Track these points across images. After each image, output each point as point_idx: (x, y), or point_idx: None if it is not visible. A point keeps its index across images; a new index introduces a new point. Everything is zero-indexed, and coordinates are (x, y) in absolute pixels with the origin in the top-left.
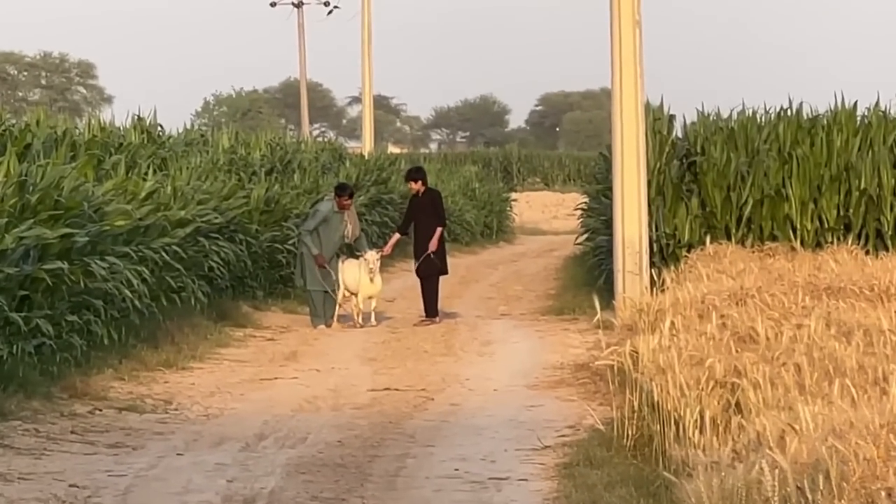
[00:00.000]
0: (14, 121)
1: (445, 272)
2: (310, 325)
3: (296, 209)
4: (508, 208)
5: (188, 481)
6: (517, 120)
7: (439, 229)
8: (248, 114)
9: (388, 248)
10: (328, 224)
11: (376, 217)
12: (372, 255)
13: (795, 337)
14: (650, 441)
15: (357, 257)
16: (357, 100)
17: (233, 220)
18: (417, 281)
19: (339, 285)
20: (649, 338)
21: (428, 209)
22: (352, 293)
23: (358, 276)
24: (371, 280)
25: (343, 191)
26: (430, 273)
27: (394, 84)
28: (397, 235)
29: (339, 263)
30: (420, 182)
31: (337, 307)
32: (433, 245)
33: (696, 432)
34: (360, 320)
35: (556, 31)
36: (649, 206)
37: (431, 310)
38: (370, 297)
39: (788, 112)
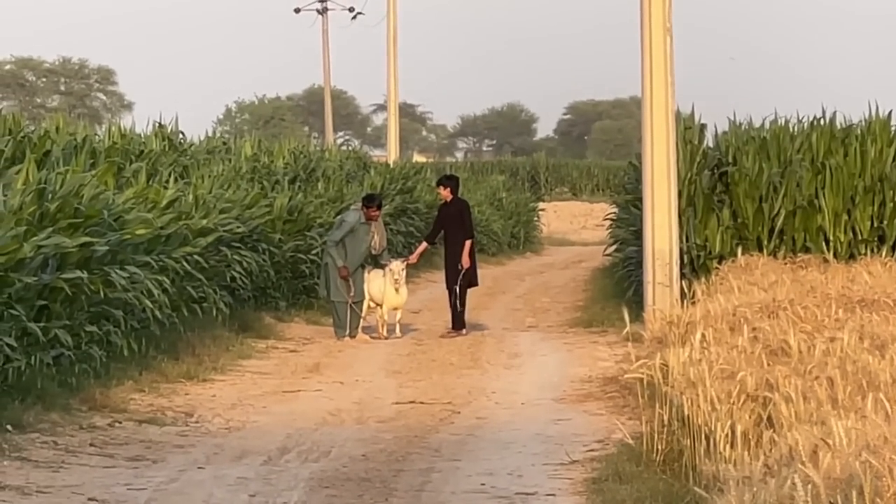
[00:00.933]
0: (33, 127)
1: (475, 284)
2: (333, 337)
3: (319, 218)
4: (536, 218)
5: (209, 495)
6: (545, 129)
7: (468, 243)
8: (271, 121)
9: (414, 258)
10: (354, 235)
11: (402, 227)
12: (397, 266)
13: (828, 350)
14: (680, 456)
15: (382, 267)
16: (382, 107)
17: (255, 230)
18: (444, 292)
19: (364, 296)
20: (679, 351)
21: (455, 219)
22: (377, 304)
23: (383, 287)
24: (396, 291)
25: (371, 201)
26: (460, 284)
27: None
28: (424, 244)
29: (365, 274)
30: (449, 189)
31: (362, 319)
32: (465, 261)
33: (727, 447)
34: (385, 332)
35: (585, 39)
36: (680, 216)
37: (459, 322)
38: (395, 309)
39: (821, 121)
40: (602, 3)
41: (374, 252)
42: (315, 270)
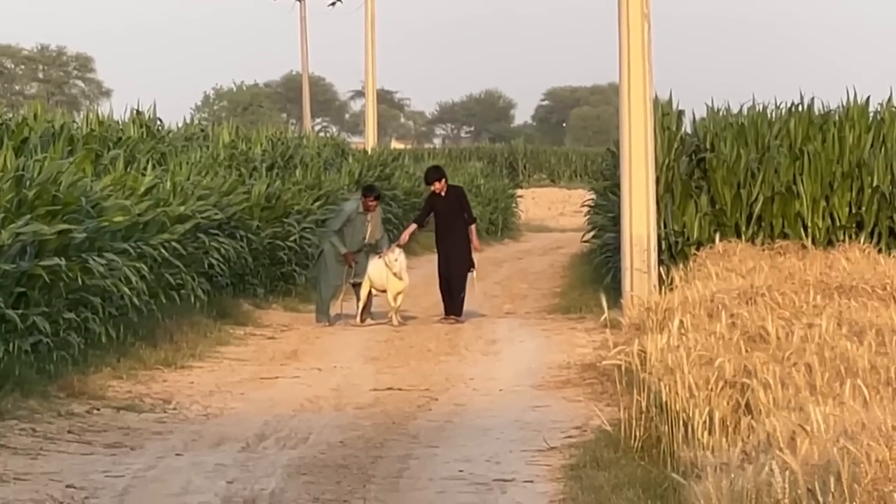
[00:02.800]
0: (11, 115)
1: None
2: (312, 324)
3: (297, 205)
4: (514, 205)
5: (187, 482)
6: (523, 115)
7: (473, 227)
8: (249, 108)
9: (404, 237)
10: (351, 224)
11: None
12: (392, 256)
13: (806, 336)
14: (658, 442)
15: (379, 255)
16: (360, 94)
17: (233, 217)
18: (433, 277)
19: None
20: (657, 337)
21: (455, 208)
22: (379, 291)
23: (385, 274)
24: (398, 278)
25: (370, 192)
26: (464, 272)
27: (398, 78)
28: (414, 226)
29: (369, 261)
30: (444, 181)
31: (361, 303)
32: (476, 244)
33: (705, 433)
34: (395, 319)
35: (563, 25)
36: (658, 202)
37: (460, 309)
38: (398, 294)
39: (800, 108)
40: None
41: (367, 242)
42: (293, 257)
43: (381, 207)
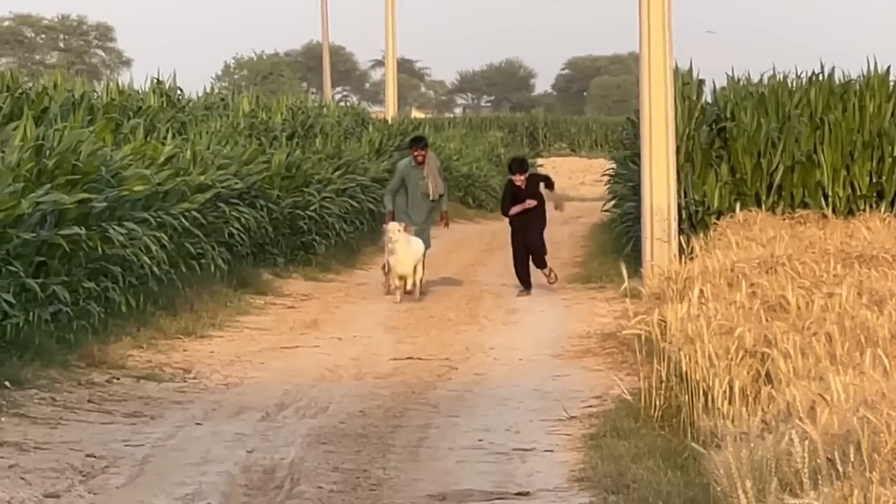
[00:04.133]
0: (31, 84)
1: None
2: (333, 292)
3: (317, 174)
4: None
5: (207, 451)
6: (543, 84)
7: (553, 192)
8: (269, 77)
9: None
10: (409, 182)
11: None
12: (393, 226)
13: (826, 306)
14: (678, 411)
15: (440, 216)
16: (380, 63)
17: (253, 186)
18: (453, 245)
19: (430, 245)
20: (677, 306)
21: (534, 193)
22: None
23: (390, 254)
24: (398, 257)
25: (416, 143)
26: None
27: (418, 47)
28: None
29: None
30: (526, 174)
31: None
32: (561, 205)
33: (725, 403)
34: (418, 292)
35: None
36: (678, 172)
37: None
38: (401, 278)
39: (820, 77)
40: None
41: (431, 199)
42: (313, 226)
43: (435, 158)
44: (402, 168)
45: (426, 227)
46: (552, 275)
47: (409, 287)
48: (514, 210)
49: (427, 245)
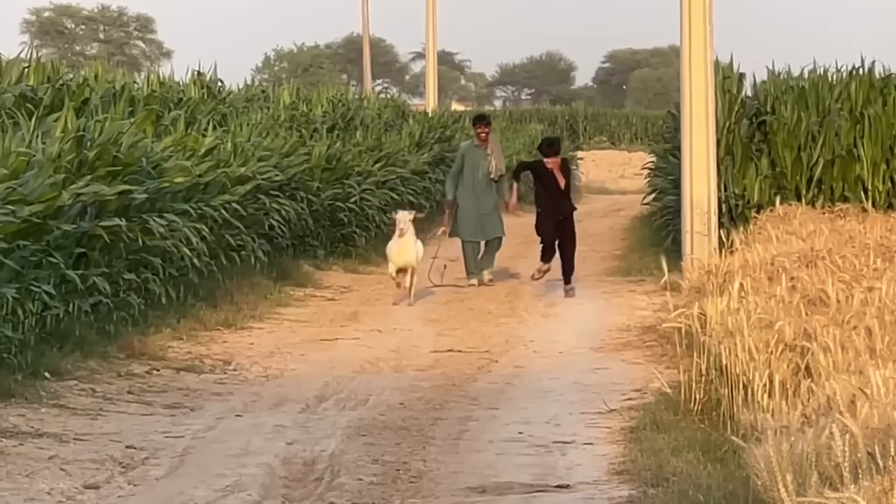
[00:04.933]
0: (72, 75)
1: None
2: (372, 285)
3: (358, 166)
4: (574, 167)
5: (247, 443)
6: (584, 77)
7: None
8: (310, 69)
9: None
10: (471, 163)
11: (439, 175)
12: (403, 215)
13: (866, 300)
14: (718, 405)
15: (502, 198)
16: (420, 56)
17: (294, 178)
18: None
19: (503, 232)
20: (717, 300)
21: (567, 185)
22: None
23: (391, 244)
24: (401, 246)
25: (480, 120)
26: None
27: (458, 40)
28: (515, 184)
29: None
30: (559, 158)
31: (494, 261)
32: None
33: (765, 396)
34: (407, 295)
35: None
36: (718, 165)
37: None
38: (402, 270)
39: (860, 71)
40: None
41: (492, 178)
42: (353, 219)
43: (497, 139)
44: (464, 148)
45: (494, 211)
46: (573, 291)
47: (406, 283)
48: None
49: (500, 232)
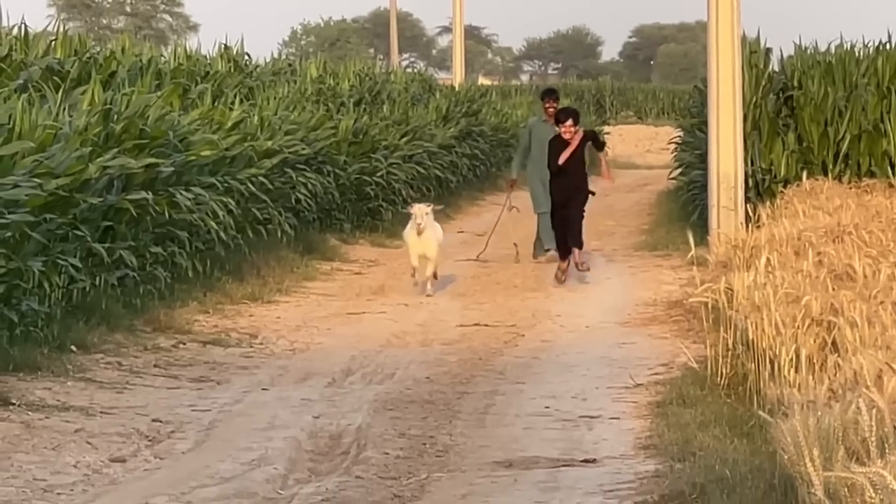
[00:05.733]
0: (99, 49)
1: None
2: (399, 258)
3: (384, 140)
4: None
5: (273, 417)
6: (610, 52)
7: (603, 155)
8: (337, 43)
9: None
10: (539, 138)
11: (466, 149)
12: (421, 209)
13: (893, 275)
14: (744, 380)
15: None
16: (447, 30)
17: (320, 152)
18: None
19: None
20: (744, 275)
21: (582, 158)
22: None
23: (409, 233)
24: (419, 234)
25: (549, 94)
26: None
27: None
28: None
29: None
30: (574, 126)
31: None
32: (608, 173)
33: (792, 371)
34: (424, 286)
35: None
36: (745, 140)
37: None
38: (422, 258)
39: (887, 46)
40: None
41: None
42: (380, 192)
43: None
44: (531, 124)
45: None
46: (586, 264)
47: (428, 274)
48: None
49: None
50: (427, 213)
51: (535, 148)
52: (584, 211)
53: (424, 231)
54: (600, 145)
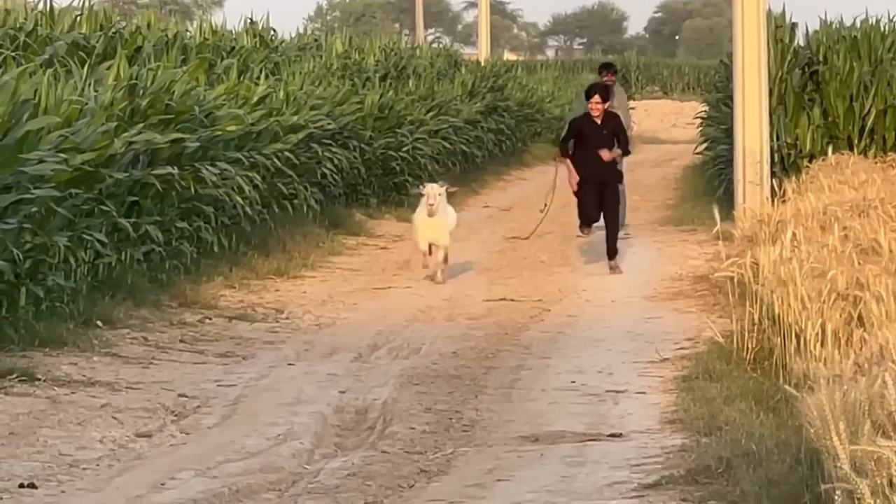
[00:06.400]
0: (124, 24)
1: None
2: None
3: (410, 115)
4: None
5: (299, 392)
6: (636, 27)
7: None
8: (362, 18)
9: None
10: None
11: (492, 125)
12: (433, 189)
13: None
14: (770, 354)
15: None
16: (473, 5)
17: (346, 127)
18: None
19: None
20: (770, 249)
21: (612, 140)
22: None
23: (418, 217)
24: (430, 217)
25: (606, 69)
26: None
27: None
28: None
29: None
30: (603, 101)
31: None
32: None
33: (818, 345)
34: (435, 273)
35: None
36: (770, 115)
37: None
38: (433, 244)
39: None
40: None
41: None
42: (406, 167)
43: (622, 89)
44: (584, 99)
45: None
46: (618, 268)
47: (439, 259)
48: (568, 176)
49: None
50: (440, 195)
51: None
52: (619, 210)
53: (436, 215)
54: (625, 151)
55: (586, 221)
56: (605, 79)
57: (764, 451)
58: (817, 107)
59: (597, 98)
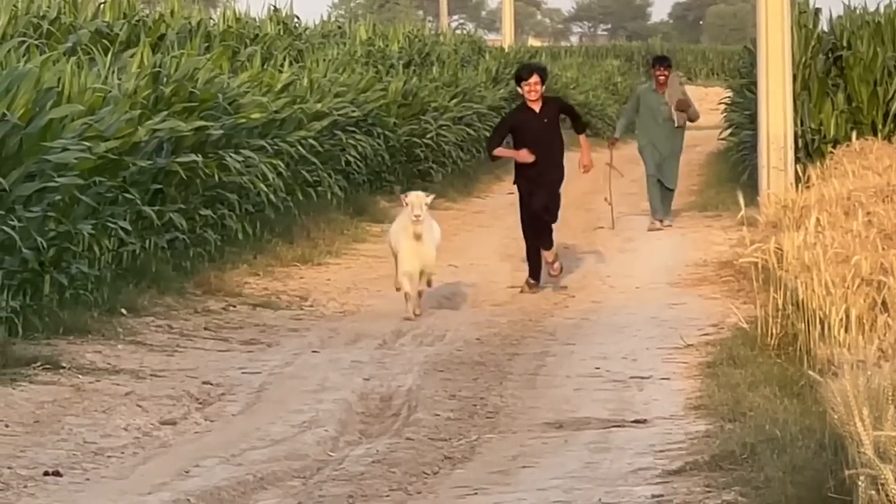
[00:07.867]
0: (147, 11)
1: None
2: (458, 219)
3: (434, 102)
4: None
5: (324, 379)
6: (660, 13)
7: (584, 137)
8: (386, 6)
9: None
10: (648, 107)
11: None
12: (419, 198)
13: None
14: (794, 340)
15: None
16: None
17: (370, 114)
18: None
19: (677, 184)
20: (794, 235)
21: (552, 126)
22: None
23: (399, 235)
24: (416, 240)
25: (660, 62)
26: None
27: None
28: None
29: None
30: (539, 83)
31: (671, 204)
32: (587, 160)
33: (842, 331)
34: (413, 308)
35: None
36: (794, 100)
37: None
38: (420, 273)
39: None
40: None
41: (677, 125)
42: (430, 154)
43: (679, 81)
44: (640, 92)
45: (673, 162)
46: (557, 264)
47: (421, 289)
48: (499, 152)
49: (673, 185)
50: (426, 205)
51: (647, 118)
52: (559, 198)
53: (423, 235)
54: (581, 126)
55: (533, 256)
56: (658, 74)
57: (788, 437)
58: (841, 92)
59: (535, 79)
